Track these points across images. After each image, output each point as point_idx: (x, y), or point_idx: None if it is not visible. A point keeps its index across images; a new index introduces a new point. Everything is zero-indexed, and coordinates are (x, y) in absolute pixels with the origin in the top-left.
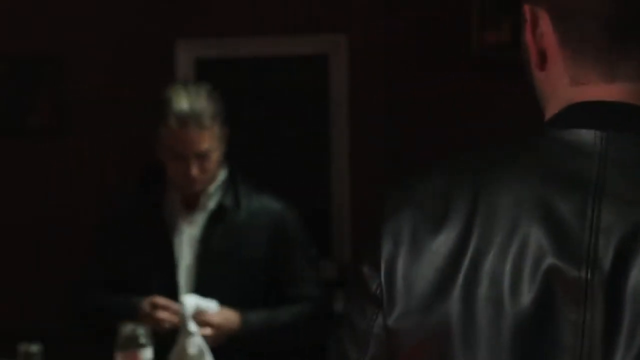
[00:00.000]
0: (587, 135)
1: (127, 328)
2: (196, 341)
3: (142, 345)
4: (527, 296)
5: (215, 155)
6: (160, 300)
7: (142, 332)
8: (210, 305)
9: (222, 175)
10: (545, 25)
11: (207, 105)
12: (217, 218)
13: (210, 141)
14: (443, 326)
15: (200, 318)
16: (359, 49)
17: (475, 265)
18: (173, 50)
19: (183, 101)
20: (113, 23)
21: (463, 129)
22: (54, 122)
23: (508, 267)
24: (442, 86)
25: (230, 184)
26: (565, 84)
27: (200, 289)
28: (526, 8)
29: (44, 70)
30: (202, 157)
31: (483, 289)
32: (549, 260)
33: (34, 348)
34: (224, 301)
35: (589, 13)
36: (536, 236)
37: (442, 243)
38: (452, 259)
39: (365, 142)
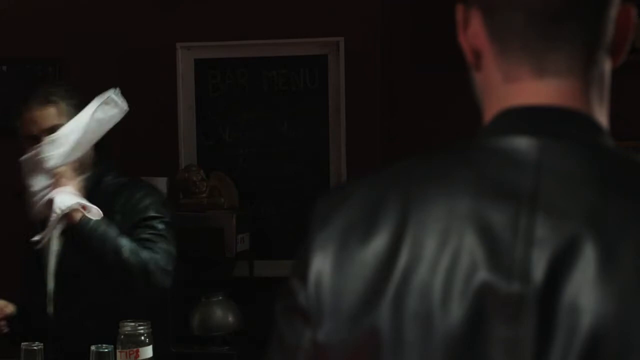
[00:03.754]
0: (522, 144)
1: (128, 326)
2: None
3: (143, 343)
4: (457, 312)
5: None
6: None
7: (142, 330)
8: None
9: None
10: (477, 23)
11: (54, 91)
12: None
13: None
14: (372, 341)
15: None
16: (357, 51)
17: (405, 279)
18: (174, 52)
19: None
20: (112, 24)
21: (460, 129)
22: None
23: (438, 281)
24: (440, 87)
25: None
26: (498, 82)
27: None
28: (459, 8)
29: (43, 72)
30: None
31: (412, 303)
32: (481, 274)
33: (37, 346)
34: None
35: (516, 6)
36: (468, 249)
37: (371, 256)
38: (382, 272)
39: (362, 143)
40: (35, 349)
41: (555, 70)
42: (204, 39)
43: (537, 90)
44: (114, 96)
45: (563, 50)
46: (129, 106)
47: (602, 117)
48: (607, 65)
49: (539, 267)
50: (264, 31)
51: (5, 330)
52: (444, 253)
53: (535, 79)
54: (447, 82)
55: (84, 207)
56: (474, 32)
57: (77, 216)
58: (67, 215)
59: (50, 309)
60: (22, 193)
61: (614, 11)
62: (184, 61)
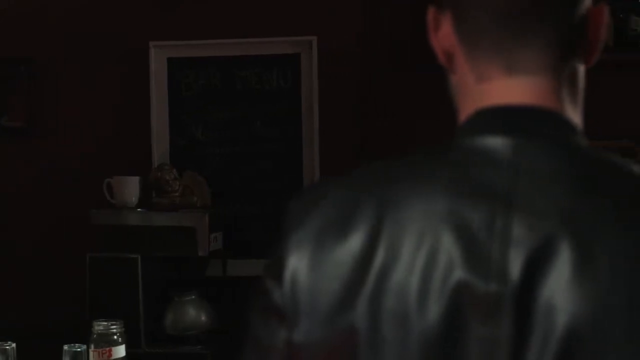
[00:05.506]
0: (497, 144)
1: (101, 325)
2: None
3: (116, 342)
4: (434, 310)
5: None
6: None
7: (115, 329)
8: None
9: None
10: (448, 25)
11: None
12: None
13: None
14: (349, 340)
15: None
16: (330, 50)
17: (382, 278)
18: (147, 51)
19: None
20: (85, 24)
21: (439, 130)
22: (26, 123)
23: (415, 280)
24: (418, 88)
25: None
26: (471, 82)
27: None
28: (430, 11)
29: (16, 71)
30: None
31: (389, 302)
32: (458, 273)
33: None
34: None
35: (484, 6)
36: (445, 248)
37: (347, 255)
38: (358, 272)
39: (336, 143)
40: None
41: (525, 68)
42: (177, 38)
43: (508, 88)
44: None
45: (532, 48)
46: (102, 104)
47: (575, 116)
48: (580, 65)
49: (515, 267)
50: (237, 30)
51: None
52: (420, 252)
53: (505, 77)
54: (425, 82)
55: None
56: (444, 34)
57: None
58: None
59: None
60: None
61: (585, 10)
62: (156, 60)
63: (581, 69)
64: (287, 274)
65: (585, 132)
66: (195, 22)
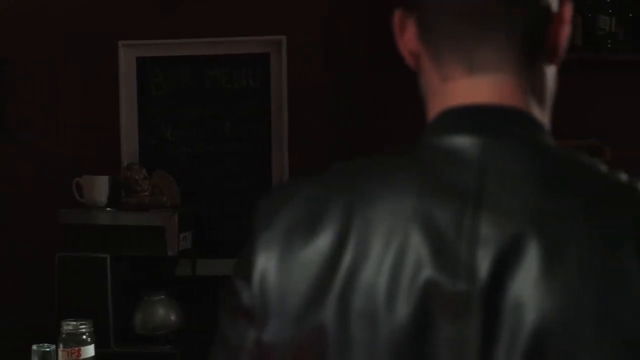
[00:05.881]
0: (464, 143)
1: (70, 325)
2: None
3: (85, 342)
4: (403, 309)
5: None
6: None
7: (84, 329)
8: None
9: None
10: (412, 26)
11: None
12: None
13: None
14: (318, 340)
15: None
16: (300, 49)
17: (350, 277)
18: (116, 51)
19: None
20: (54, 24)
21: (409, 130)
22: None
23: (384, 280)
24: (386, 86)
25: None
26: (436, 82)
27: None
28: (396, 14)
29: None
30: None
31: (358, 302)
32: (426, 272)
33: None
34: None
35: (444, 5)
36: (413, 247)
37: (316, 254)
38: (327, 271)
39: (305, 142)
40: (47, 351)
41: (486, 67)
42: (146, 37)
43: (472, 87)
44: None
45: (492, 47)
46: (71, 104)
47: (542, 115)
48: (546, 65)
49: (483, 266)
50: (207, 30)
51: None
52: (389, 252)
53: (467, 76)
54: (395, 81)
55: None
56: (410, 36)
57: None
58: None
59: None
60: None
61: (548, 8)
62: (125, 59)
63: (551, 69)
64: (256, 274)
65: (553, 131)
66: (165, 21)
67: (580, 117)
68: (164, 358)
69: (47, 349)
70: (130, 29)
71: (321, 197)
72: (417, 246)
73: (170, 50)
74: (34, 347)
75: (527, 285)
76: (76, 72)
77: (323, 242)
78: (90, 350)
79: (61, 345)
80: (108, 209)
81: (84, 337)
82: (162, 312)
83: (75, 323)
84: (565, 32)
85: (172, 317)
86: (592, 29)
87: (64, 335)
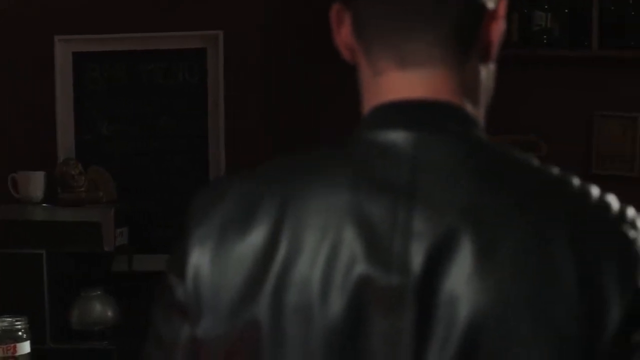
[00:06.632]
0: (397, 138)
1: (5, 321)
2: None
3: (20, 339)
4: (337, 304)
5: None
6: None
7: (20, 325)
8: None
9: None
10: (348, 22)
11: None
12: None
13: None
14: (252, 335)
15: None
16: (237, 45)
17: (284, 272)
18: (51, 45)
19: None
20: None
21: (345, 124)
22: None
23: (318, 274)
24: (325, 82)
25: None
26: (369, 77)
27: None
28: (333, 8)
29: None
30: None
31: (292, 296)
32: (360, 267)
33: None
34: None
35: (377, 1)
36: (347, 242)
37: (249, 250)
38: (260, 266)
39: (243, 138)
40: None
41: (416, 62)
42: (83, 32)
43: (404, 82)
44: None
45: (423, 42)
46: (6, 99)
47: (475, 112)
48: (480, 61)
49: (417, 260)
50: (143, 24)
51: None
52: (323, 246)
53: (398, 71)
54: (335, 77)
55: None
56: (346, 31)
57: None
58: None
59: None
60: None
61: (481, 4)
62: (62, 54)
63: (486, 66)
64: (190, 270)
65: (490, 127)
66: (101, 16)
67: (517, 113)
68: (100, 354)
69: None
70: (67, 23)
71: (255, 193)
72: (351, 241)
73: (106, 45)
74: None
75: (461, 280)
76: (12, 67)
77: (256, 237)
78: (26, 346)
79: None
80: (44, 204)
81: (20, 333)
82: (99, 308)
83: (10, 319)
84: (499, 29)
85: (109, 313)
86: (528, 25)
87: None
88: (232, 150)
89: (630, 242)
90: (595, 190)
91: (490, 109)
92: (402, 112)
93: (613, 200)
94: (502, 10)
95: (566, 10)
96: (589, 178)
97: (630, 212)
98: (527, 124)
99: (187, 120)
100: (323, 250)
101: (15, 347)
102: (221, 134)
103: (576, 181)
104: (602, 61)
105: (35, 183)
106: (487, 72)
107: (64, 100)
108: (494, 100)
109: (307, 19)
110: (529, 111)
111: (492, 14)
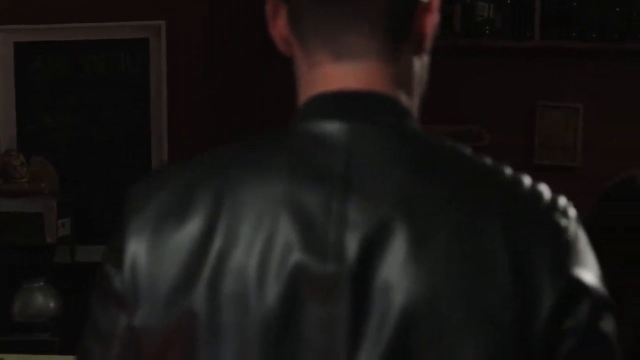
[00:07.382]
0: (332, 129)
1: None
2: None
3: None
4: (272, 293)
5: None
6: None
7: None
8: None
9: None
10: (284, 14)
11: None
12: None
13: None
14: (189, 324)
15: None
16: (179, 35)
17: (221, 262)
18: None
19: None
20: None
21: (288, 116)
22: None
23: (254, 263)
24: (267, 73)
25: None
26: (304, 69)
27: None
28: (269, 0)
29: None
30: None
31: (228, 285)
32: (296, 255)
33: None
34: None
35: None
36: (283, 231)
37: (186, 239)
38: (197, 256)
39: (185, 129)
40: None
41: (351, 54)
42: (24, 22)
43: (339, 74)
44: None
45: (356, 34)
46: None
47: (410, 103)
48: (413, 53)
49: (351, 248)
50: (85, 14)
51: None
52: (258, 236)
53: (333, 62)
54: (277, 68)
55: None
56: (281, 23)
57: None
58: None
59: None
60: None
61: None
62: (3, 44)
63: (420, 58)
64: (127, 259)
65: (434, 117)
66: (43, 6)
67: (460, 103)
68: (43, 345)
69: None
70: (8, 13)
71: (192, 183)
72: (286, 230)
73: (48, 35)
74: None
75: (395, 268)
76: None
77: (193, 227)
78: None
79: None
80: None
81: None
82: (41, 300)
83: None
84: (433, 21)
85: (51, 305)
86: (471, 16)
87: None
88: (175, 140)
89: (562, 231)
90: (527, 180)
91: (433, 99)
92: (336, 103)
93: (545, 190)
94: (436, 3)
95: (509, 1)
96: (531, 168)
97: (562, 201)
98: (470, 114)
99: (130, 111)
100: (259, 239)
101: None
102: (164, 124)
103: (509, 171)
104: (544, 52)
105: None
106: (421, 64)
107: (5, 91)
108: (435, 90)
109: (249, 10)
110: (472, 101)
111: (426, 7)
